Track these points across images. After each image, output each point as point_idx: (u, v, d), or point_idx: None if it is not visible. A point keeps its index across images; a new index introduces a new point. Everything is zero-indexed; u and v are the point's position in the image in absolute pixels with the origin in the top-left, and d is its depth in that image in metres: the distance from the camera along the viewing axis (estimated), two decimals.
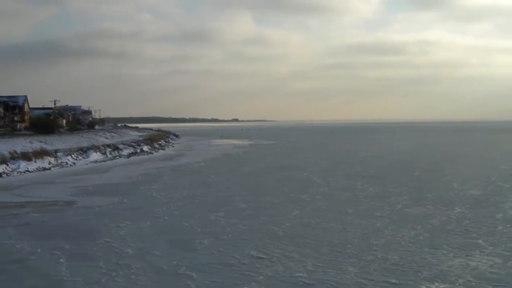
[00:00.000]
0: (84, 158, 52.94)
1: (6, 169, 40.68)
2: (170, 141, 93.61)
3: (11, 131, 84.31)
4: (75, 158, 51.49)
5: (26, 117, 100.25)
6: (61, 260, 15.52)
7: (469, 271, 13.59)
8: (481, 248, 15.97)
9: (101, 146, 61.75)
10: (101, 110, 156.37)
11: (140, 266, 14.70)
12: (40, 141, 58.94)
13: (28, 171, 41.77)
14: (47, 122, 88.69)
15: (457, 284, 12.59)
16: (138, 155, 60.80)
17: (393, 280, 12.91)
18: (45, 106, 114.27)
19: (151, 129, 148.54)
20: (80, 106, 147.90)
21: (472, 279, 12.91)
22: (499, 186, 29.51)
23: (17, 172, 40.83)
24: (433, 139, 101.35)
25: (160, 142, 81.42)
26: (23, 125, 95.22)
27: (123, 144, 67.42)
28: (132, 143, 69.80)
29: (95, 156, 55.08)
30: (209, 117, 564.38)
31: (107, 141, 72.17)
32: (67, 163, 48.02)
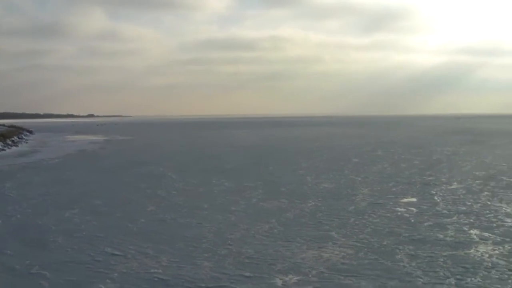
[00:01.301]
0: None
1: None
2: (24, 137, 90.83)
3: None
4: None
5: None
6: None
7: (321, 263, 13.89)
8: (334, 240, 16.36)
9: None
10: None
11: None
12: None
13: None
14: None
15: (310, 276, 12.85)
16: None
17: (247, 274, 13.04)
18: None
19: (3, 125, 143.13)
20: None
21: (324, 270, 13.21)
22: (352, 179, 30.33)
23: None
24: (289, 133, 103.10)
25: (13, 139, 78.83)
26: None
27: None
28: None
29: None
30: (64, 113, 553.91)
31: None
32: None
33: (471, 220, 18.88)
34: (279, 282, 12.46)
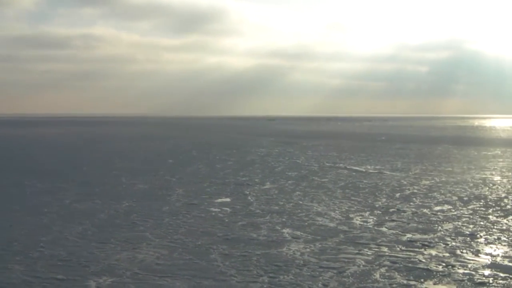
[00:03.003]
0: None
1: None
2: None
3: None
4: None
5: None
6: None
7: (136, 264, 13.81)
8: (148, 240, 16.31)
9: None
10: None
11: None
12: None
13: None
14: None
15: (124, 277, 12.74)
16: None
17: (60, 276, 12.76)
18: None
19: None
20: None
21: (139, 271, 13.14)
22: (167, 180, 30.35)
23: None
24: (103, 133, 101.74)
25: None
26: None
27: None
28: None
29: None
30: None
31: None
32: None
33: (284, 219, 19.37)
34: (93, 284, 12.28)
